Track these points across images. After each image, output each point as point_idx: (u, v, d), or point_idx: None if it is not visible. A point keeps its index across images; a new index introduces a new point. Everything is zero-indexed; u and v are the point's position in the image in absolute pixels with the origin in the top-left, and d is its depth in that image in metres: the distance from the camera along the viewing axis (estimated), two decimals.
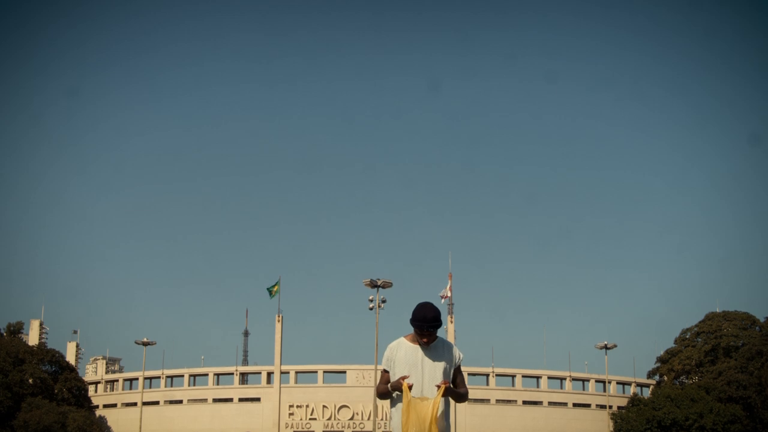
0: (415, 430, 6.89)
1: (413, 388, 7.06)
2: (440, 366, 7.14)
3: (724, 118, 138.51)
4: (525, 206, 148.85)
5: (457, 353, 7.27)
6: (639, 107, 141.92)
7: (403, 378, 7.01)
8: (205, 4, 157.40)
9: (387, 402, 7.39)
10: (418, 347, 7.20)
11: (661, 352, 75.63)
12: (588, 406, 73.85)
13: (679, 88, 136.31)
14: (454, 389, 7.15)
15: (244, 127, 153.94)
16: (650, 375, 76.92)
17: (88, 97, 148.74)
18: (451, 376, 7.24)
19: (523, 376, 73.59)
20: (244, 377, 74.91)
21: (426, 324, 7.11)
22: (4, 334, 71.77)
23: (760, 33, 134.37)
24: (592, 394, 74.66)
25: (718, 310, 74.11)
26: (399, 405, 7.11)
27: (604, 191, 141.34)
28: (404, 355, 7.20)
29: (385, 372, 7.29)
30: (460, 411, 68.10)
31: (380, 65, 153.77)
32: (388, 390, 7.18)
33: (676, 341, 74.82)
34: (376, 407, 57.44)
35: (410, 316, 7.20)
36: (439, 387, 6.98)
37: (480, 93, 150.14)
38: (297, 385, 71.55)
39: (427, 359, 7.16)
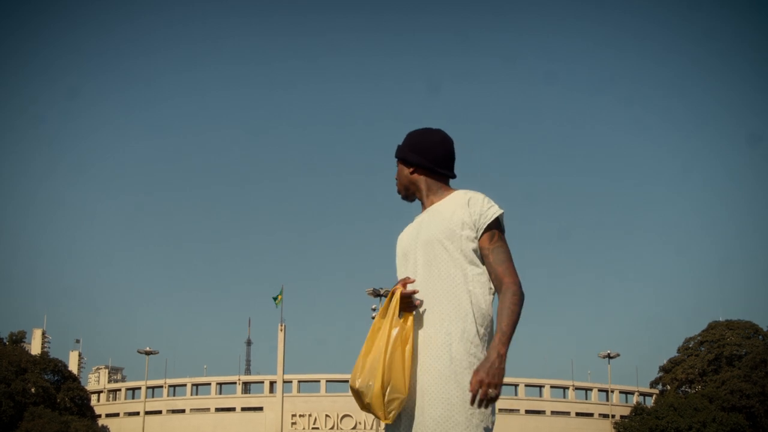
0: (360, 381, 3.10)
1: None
2: (437, 238, 3.30)
3: (723, 119, 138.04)
4: (526, 207, 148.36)
5: (481, 203, 3.28)
6: (638, 108, 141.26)
7: (405, 283, 3.24)
8: (206, 6, 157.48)
9: None
10: (416, 219, 3.52)
11: (664, 362, 75.60)
12: (591, 415, 73.70)
13: (678, 89, 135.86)
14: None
15: (245, 130, 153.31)
16: (653, 384, 76.82)
17: (89, 98, 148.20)
18: (475, 253, 3.28)
19: (525, 386, 73.46)
20: (246, 386, 74.82)
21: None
22: (7, 343, 71.78)
23: (760, 33, 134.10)
24: (594, 403, 74.53)
25: (721, 319, 74.14)
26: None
27: (604, 192, 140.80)
28: (400, 242, 3.51)
29: None
30: None
31: (381, 66, 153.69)
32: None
33: (679, 350, 74.73)
34: None
35: (416, 158, 3.60)
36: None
37: (480, 94, 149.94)
38: (300, 394, 71.46)
39: (424, 232, 3.38)
